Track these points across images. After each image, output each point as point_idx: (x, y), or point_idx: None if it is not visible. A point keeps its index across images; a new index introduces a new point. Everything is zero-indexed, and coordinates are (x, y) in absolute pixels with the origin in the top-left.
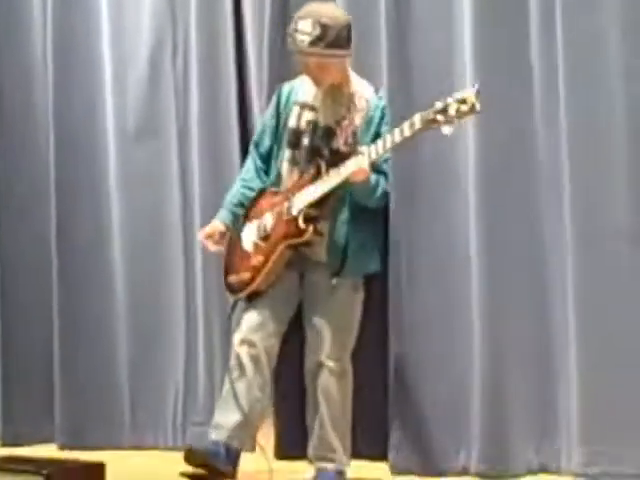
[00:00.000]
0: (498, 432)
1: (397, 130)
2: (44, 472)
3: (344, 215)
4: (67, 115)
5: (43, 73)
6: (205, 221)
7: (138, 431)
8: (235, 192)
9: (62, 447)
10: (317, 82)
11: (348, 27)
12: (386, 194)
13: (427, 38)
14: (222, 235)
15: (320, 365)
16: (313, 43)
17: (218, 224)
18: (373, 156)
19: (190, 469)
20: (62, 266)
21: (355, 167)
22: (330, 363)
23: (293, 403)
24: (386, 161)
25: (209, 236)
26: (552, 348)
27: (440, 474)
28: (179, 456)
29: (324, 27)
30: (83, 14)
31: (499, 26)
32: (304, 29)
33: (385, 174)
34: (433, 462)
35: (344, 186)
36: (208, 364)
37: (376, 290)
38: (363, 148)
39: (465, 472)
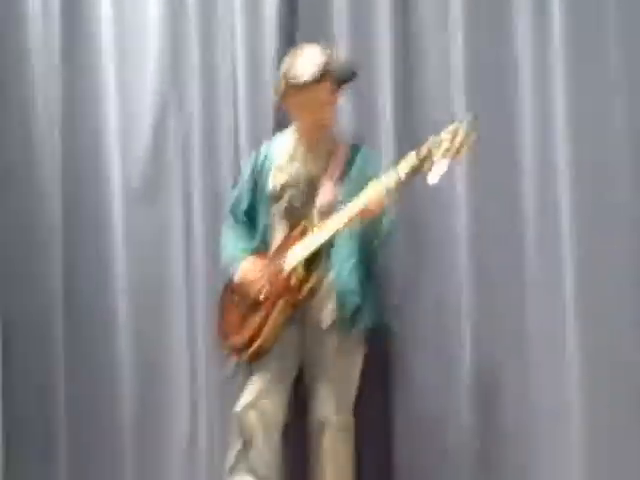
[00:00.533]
0: None
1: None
2: None
3: (349, 263)
4: (73, 175)
5: (50, 138)
6: (207, 281)
7: None
8: (237, 241)
9: None
10: (313, 125)
11: (336, 66)
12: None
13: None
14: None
15: (323, 422)
16: (323, 75)
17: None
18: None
19: None
20: (67, 325)
21: (373, 198)
22: (334, 418)
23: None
24: None
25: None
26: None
27: None
28: None
29: (329, 58)
30: (90, 75)
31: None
32: (310, 60)
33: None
34: None
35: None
36: (214, 425)
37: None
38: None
39: None
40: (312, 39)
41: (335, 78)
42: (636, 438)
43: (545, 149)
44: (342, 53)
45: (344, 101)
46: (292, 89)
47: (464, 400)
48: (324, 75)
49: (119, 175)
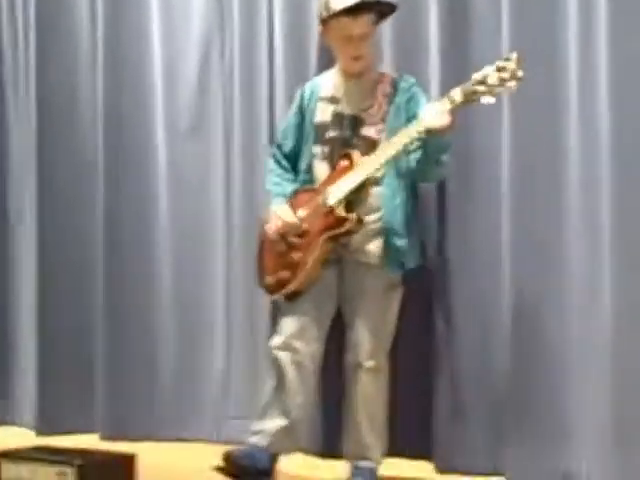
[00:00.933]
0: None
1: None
2: (76, 463)
3: (396, 201)
4: (117, 112)
5: (92, 71)
6: (243, 224)
7: (179, 424)
8: (283, 183)
9: (103, 437)
10: (358, 60)
11: None
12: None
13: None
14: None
15: (358, 365)
16: (363, 4)
17: (293, 217)
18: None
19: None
20: (108, 259)
21: (437, 122)
22: (367, 363)
23: (333, 400)
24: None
25: (289, 226)
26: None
27: (485, 473)
28: (216, 449)
29: None
30: (133, 13)
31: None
32: None
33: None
34: (478, 461)
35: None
36: (248, 360)
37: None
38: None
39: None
40: None
41: (374, 10)
42: None
43: (588, 100)
44: None
45: (390, 33)
46: (332, 18)
47: (503, 341)
48: (363, 5)
49: (162, 113)
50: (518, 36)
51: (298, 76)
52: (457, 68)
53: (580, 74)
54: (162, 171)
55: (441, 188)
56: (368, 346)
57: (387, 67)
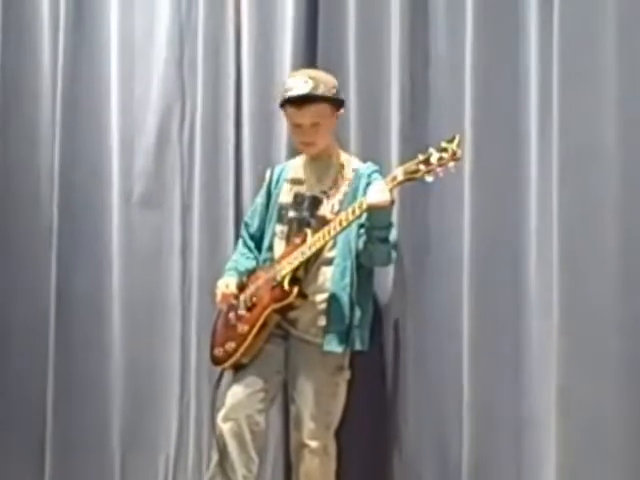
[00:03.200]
0: None
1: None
2: None
3: (345, 281)
4: (72, 181)
5: (50, 136)
6: (202, 296)
7: None
8: (240, 260)
9: None
10: (308, 146)
11: (337, 88)
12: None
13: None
14: (234, 298)
15: (302, 445)
16: (309, 94)
17: (233, 288)
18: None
19: None
20: (60, 328)
21: (375, 197)
22: (311, 443)
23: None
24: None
25: (227, 297)
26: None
27: None
28: None
29: (316, 80)
30: (93, 83)
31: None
32: (297, 84)
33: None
34: None
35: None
36: (198, 435)
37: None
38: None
39: None
40: (324, 56)
41: (328, 101)
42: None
43: (547, 178)
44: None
45: (352, 115)
46: (286, 103)
47: (459, 420)
48: (315, 95)
49: (118, 182)
50: (480, 119)
51: (265, 146)
52: (417, 150)
53: (538, 156)
54: (116, 240)
55: (399, 267)
56: (311, 426)
57: (350, 147)
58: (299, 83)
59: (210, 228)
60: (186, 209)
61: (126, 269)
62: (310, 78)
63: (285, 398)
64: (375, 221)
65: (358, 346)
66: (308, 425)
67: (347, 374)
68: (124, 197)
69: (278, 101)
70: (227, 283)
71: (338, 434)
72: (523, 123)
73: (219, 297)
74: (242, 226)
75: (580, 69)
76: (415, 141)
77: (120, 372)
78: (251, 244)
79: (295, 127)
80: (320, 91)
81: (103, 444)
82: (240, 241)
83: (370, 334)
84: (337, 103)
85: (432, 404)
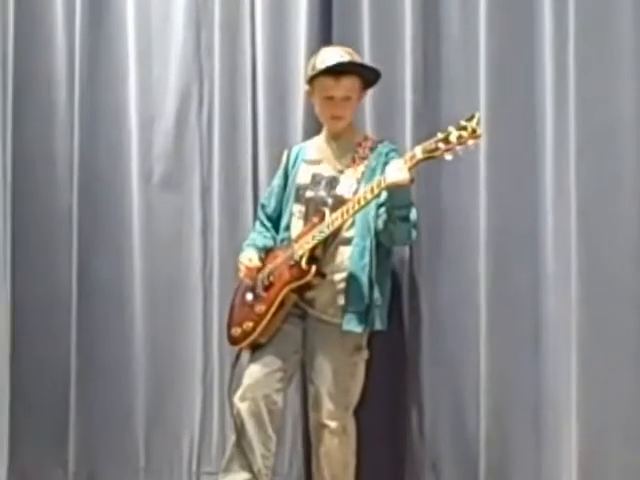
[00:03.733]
0: None
1: (400, 159)
2: None
3: (364, 260)
4: (91, 164)
5: (69, 120)
6: (223, 277)
7: (152, 477)
8: (257, 237)
9: None
10: (337, 120)
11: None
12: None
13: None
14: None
15: (321, 425)
16: (350, 66)
17: (257, 261)
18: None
19: None
20: (81, 311)
21: (394, 175)
22: (331, 423)
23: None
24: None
25: (251, 271)
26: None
27: None
28: None
29: (351, 54)
30: (111, 65)
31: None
32: (334, 56)
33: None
34: None
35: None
36: (222, 415)
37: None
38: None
39: None
40: (340, 37)
41: (359, 75)
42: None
43: (563, 159)
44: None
45: (370, 100)
46: (316, 77)
47: (476, 401)
48: (345, 67)
49: (137, 165)
50: (494, 98)
51: (281, 128)
52: (431, 129)
53: (555, 133)
54: (136, 222)
55: (416, 246)
56: (330, 407)
57: (365, 128)
58: (335, 55)
59: (229, 209)
60: (206, 190)
61: (147, 251)
62: (346, 52)
63: (303, 378)
64: (395, 200)
65: (378, 326)
66: (327, 405)
67: (365, 354)
68: (144, 179)
69: (309, 74)
70: (250, 257)
71: (357, 414)
72: (539, 100)
73: (243, 271)
74: (259, 208)
75: (596, 44)
76: (429, 120)
77: (142, 354)
78: (268, 224)
79: (327, 100)
80: (359, 62)
81: (127, 425)
82: (257, 222)
83: (388, 313)
84: (377, 75)
85: (449, 382)
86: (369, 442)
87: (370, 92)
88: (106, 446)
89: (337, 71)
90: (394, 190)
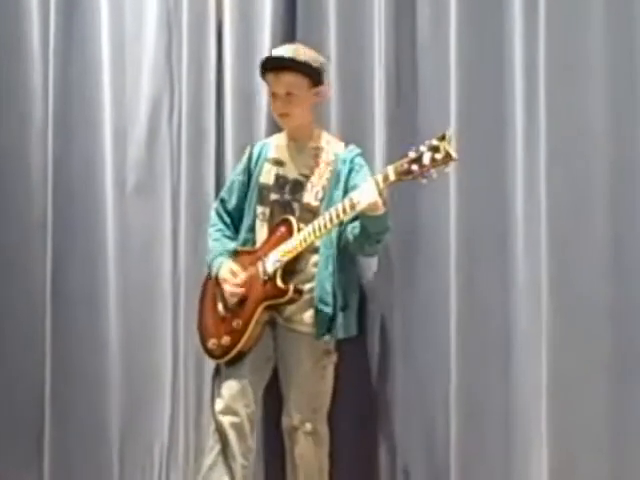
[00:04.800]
0: None
1: (372, 180)
2: None
3: (329, 269)
4: (65, 173)
5: (43, 129)
6: (189, 285)
7: None
8: (223, 240)
9: None
10: (283, 117)
11: (322, 66)
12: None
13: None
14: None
15: (294, 428)
16: (286, 61)
17: (243, 276)
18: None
19: None
20: (56, 319)
21: (367, 200)
22: (302, 426)
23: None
24: None
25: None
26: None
27: None
28: None
29: (298, 50)
30: (84, 74)
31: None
32: (279, 51)
33: None
34: None
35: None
36: (186, 424)
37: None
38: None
39: None
40: (305, 38)
41: (305, 72)
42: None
43: (534, 168)
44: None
45: (335, 100)
46: (268, 70)
47: (446, 405)
48: (297, 63)
49: (111, 172)
50: (466, 103)
51: (246, 137)
52: (403, 134)
53: (525, 140)
54: (110, 230)
55: (386, 254)
56: (302, 411)
57: (332, 130)
58: (280, 51)
59: (195, 216)
60: (176, 198)
61: (121, 259)
62: (293, 49)
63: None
64: (373, 228)
65: (343, 334)
66: (298, 409)
67: (334, 357)
68: (118, 187)
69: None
70: (232, 270)
71: (328, 420)
72: (509, 108)
73: (232, 290)
74: (217, 202)
75: (567, 54)
76: (401, 125)
77: (116, 363)
78: (228, 220)
79: (272, 97)
80: (300, 59)
81: (101, 435)
82: (215, 217)
83: (358, 320)
84: (312, 73)
85: (420, 389)
86: (340, 449)
87: (338, 95)
88: (81, 457)
89: (277, 67)
90: (370, 217)
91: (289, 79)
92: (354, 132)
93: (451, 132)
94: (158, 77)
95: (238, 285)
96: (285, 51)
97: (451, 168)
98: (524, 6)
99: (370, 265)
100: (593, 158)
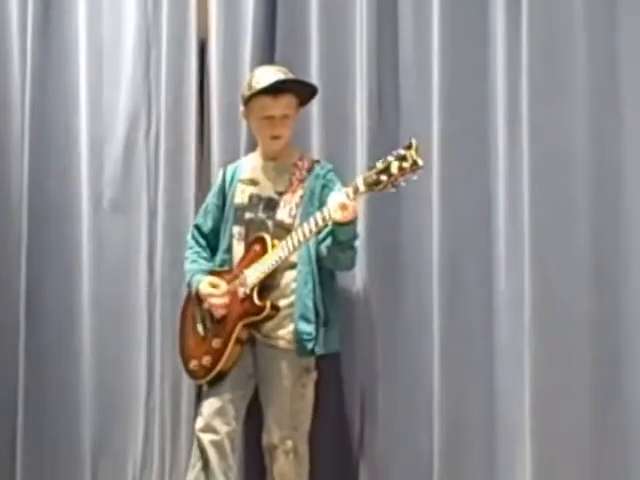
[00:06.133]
0: None
1: (343, 192)
2: None
3: (308, 286)
4: (42, 188)
5: (19, 144)
6: (165, 301)
7: None
8: (200, 261)
9: None
10: (277, 140)
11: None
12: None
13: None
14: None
15: (273, 446)
16: (285, 85)
17: (224, 287)
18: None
19: None
20: (29, 334)
21: (336, 204)
22: (283, 444)
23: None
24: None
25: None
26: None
27: None
28: None
29: (284, 71)
30: (61, 89)
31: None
32: (269, 75)
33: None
34: None
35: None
36: (162, 440)
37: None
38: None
39: None
40: (287, 56)
41: (296, 93)
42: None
43: (515, 177)
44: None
45: (317, 115)
46: (254, 97)
47: (428, 422)
48: (284, 85)
49: (87, 189)
50: (448, 123)
51: (227, 155)
52: (385, 154)
53: (508, 158)
54: (86, 246)
55: (369, 268)
56: (282, 429)
57: (314, 150)
58: (271, 74)
59: (173, 233)
60: (152, 215)
61: (96, 275)
62: (279, 70)
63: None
64: (341, 235)
65: (323, 350)
66: (278, 426)
67: (314, 375)
68: (94, 203)
69: (246, 94)
70: (213, 283)
71: (310, 436)
72: (492, 128)
73: (217, 302)
74: (192, 227)
75: (549, 73)
76: (383, 146)
77: (90, 379)
78: (203, 242)
79: (265, 120)
80: (300, 79)
81: (74, 450)
82: (191, 240)
83: (340, 335)
84: (314, 91)
85: (402, 405)
86: (321, 464)
87: (318, 115)
88: (54, 475)
89: (275, 89)
90: (340, 225)
91: (287, 101)
92: (336, 153)
93: (416, 142)
94: (136, 93)
95: (221, 296)
96: (276, 74)
97: (434, 186)
98: (507, 27)
99: (353, 281)
100: (575, 176)
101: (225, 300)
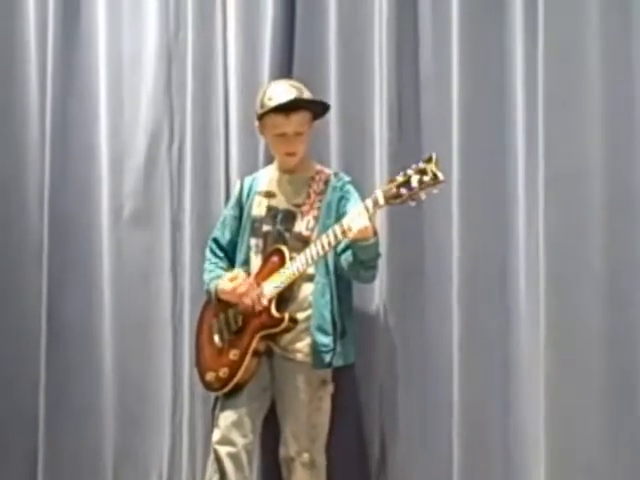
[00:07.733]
0: None
1: (362, 205)
2: None
3: (325, 298)
4: (62, 201)
5: (39, 157)
6: (193, 314)
7: None
8: (216, 270)
9: None
10: (291, 156)
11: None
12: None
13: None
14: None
15: (290, 459)
16: (299, 101)
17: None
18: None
19: None
20: (51, 348)
21: (358, 226)
22: (300, 456)
23: None
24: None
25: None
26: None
27: None
28: None
29: (298, 87)
30: (82, 102)
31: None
32: (281, 92)
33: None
34: None
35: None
36: (191, 454)
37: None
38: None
39: None
40: (306, 69)
41: (309, 108)
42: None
43: (531, 194)
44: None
45: (336, 130)
46: (266, 115)
47: (451, 447)
48: (296, 104)
49: (108, 201)
50: (468, 138)
51: (247, 167)
52: (404, 165)
53: (525, 175)
54: (106, 259)
55: (388, 282)
56: (299, 441)
57: (333, 163)
58: (283, 91)
59: (201, 245)
60: (176, 227)
61: (117, 289)
62: (292, 86)
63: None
64: (364, 255)
65: (341, 362)
66: (295, 439)
67: (331, 388)
68: (114, 216)
69: (258, 112)
70: (231, 277)
71: (326, 448)
72: (510, 141)
73: (240, 293)
74: (210, 240)
75: (566, 90)
76: (403, 160)
77: (112, 392)
78: (221, 254)
79: (278, 137)
80: (305, 96)
81: (96, 464)
82: (209, 253)
83: (358, 348)
84: (325, 108)
85: (421, 419)
86: (338, 476)
87: (338, 127)
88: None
89: (287, 107)
90: (361, 246)
91: (299, 118)
92: (355, 167)
93: (435, 156)
94: (157, 108)
95: (244, 284)
96: (289, 91)
97: (454, 200)
98: (525, 41)
99: (372, 294)
100: (590, 194)
101: (250, 283)
